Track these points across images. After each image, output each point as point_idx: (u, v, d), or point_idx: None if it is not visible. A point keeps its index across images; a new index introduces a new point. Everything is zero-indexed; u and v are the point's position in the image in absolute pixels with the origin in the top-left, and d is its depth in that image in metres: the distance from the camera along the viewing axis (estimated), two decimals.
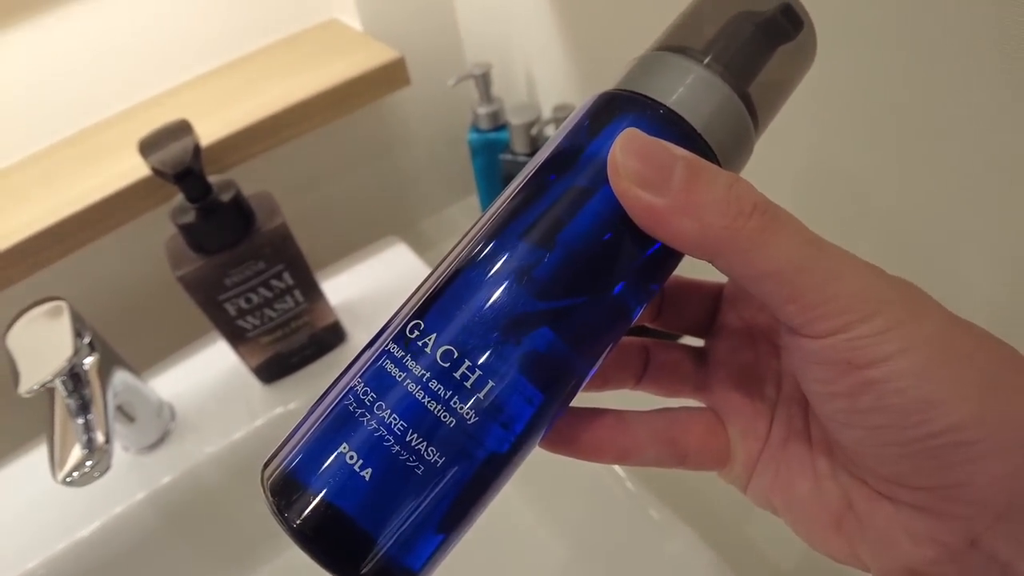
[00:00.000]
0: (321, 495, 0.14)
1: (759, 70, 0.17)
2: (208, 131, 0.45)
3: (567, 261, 0.15)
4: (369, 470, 0.13)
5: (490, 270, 0.15)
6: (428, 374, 0.14)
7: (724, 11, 0.17)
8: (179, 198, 0.38)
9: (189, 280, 0.39)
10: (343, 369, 0.16)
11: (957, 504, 0.14)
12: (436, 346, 0.14)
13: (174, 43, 0.51)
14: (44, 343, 0.39)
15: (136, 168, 0.43)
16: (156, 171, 0.34)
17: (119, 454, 0.47)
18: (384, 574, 0.14)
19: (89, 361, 0.40)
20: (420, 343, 0.14)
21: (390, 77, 0.49)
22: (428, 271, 0.59)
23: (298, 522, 0.14)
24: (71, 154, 0.48)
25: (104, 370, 0.41)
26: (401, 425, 0.14)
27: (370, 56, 0.49)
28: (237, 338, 0.44)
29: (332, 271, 0.56)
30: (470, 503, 0.14)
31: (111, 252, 0.49)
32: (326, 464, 0.14)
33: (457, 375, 0.14)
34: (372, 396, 0.14)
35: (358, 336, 0.50)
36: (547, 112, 0.49)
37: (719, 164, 0.16)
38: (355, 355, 0.16)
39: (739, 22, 0.17)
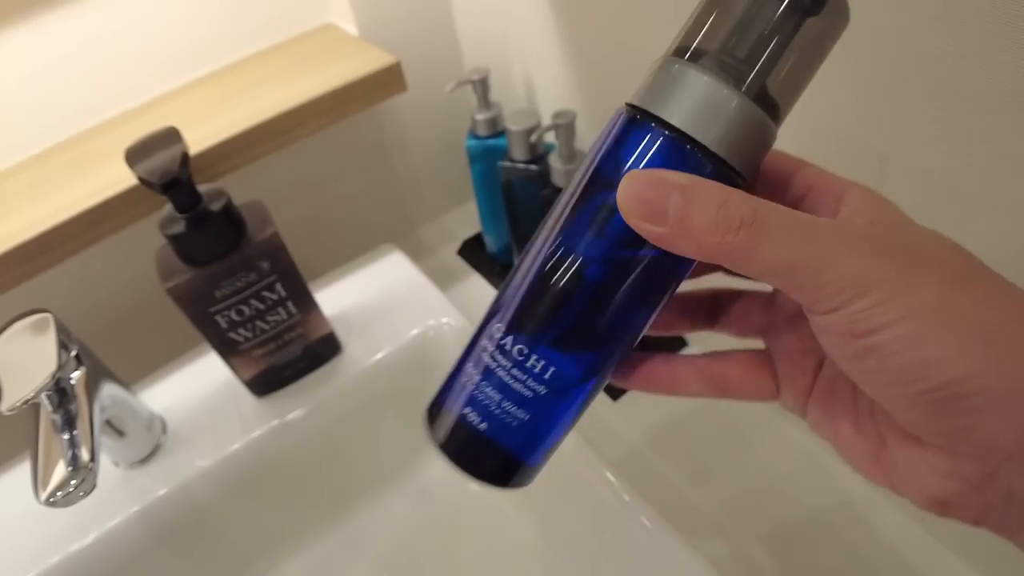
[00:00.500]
0: (460, 437, 0.22)
1: (780, 62, 0.17)
2: (199, 138, 0.44)
3: (605, 267, 0.19)
4: (484, 424, 0.21)
5: (546, 280, 0.19)
6: (510, 365, 0.20)
7: None
8: (168, 208, 0.37)
9: (179, 292, 0.38)
10: (465, 348, 0.22)
11: (967, 446, 0.16)
12: (513, 345, 0.20)
13: (166, 48, 0.50)
14: (29, 357, 0.38)
15: (125, 177, 0.42)
16: (143, 181, 0.33)
17: (110, 469, 0.46)
18: (503, 474, 0.22)
19: (76, 375, 0.39)
20: (502, 343, 0.20)
21: (386, 83, 0.48)
22: (425, 280, 0.57)
23: (450, 452, 0.22)
24: (60, 161, 0.47)
25: (91, 384, 0.40)
26: (499, 396, 0.20)
27: (366, 61, 0.48)
28: (229, 350, 0.43)
29: (327, 280, 0.55)
30: (556, 438, 0.22)
31: (101, 262, 0.48)
32: (465, 422, 0.21)
33: (528, 365, 0.20)
34: (477, 378, 0.21)
35: (353, 347, 0.49)
36: (547, 118, 0.48)
37: (734, 170, 0.17)
38: (470, 337, 0.22)
39: (759, 8, 0.17)
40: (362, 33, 0.53)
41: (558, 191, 0.47)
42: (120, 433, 0.45)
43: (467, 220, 0.69)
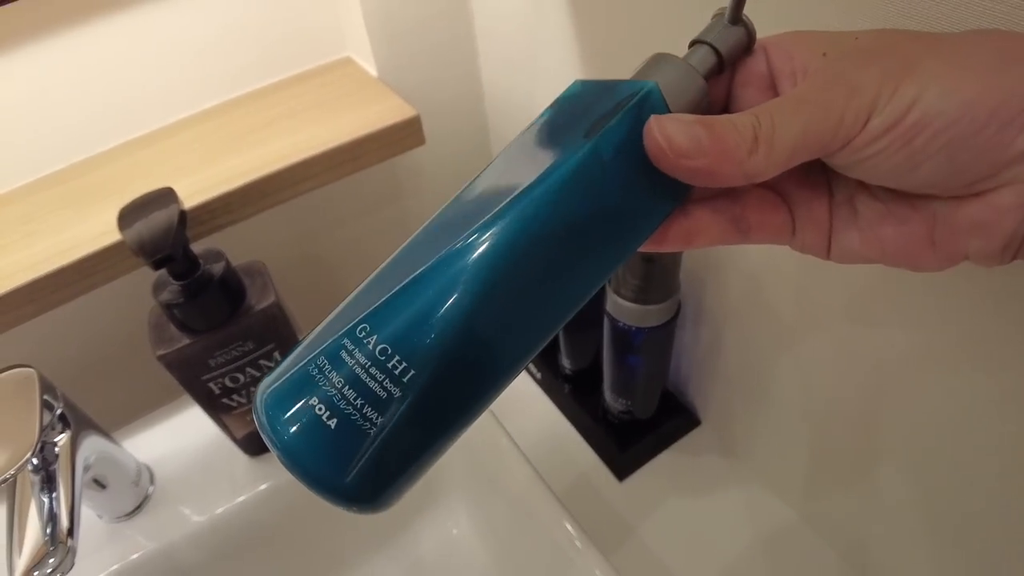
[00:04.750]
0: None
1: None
2: (201, 187, 0.42)
3: None
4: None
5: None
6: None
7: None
8: (162, 270, 0.35)
9: (170, 360, 0.36)
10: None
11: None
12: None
13: (172, 75, 0.48)
14: (8, 420, 0.36)
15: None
16: (135, 252, 0.31)
17: (92, 521, 0.44)
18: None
19: (60, 440, 0.37)
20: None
21: (404, 137, 0.45)
22: None
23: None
24: (56, 193, 0.45)
25: (76, 445, 0.38)
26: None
27: (384, 111, 0.46)
28: (220, 412, 0.41)
29: None
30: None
31: (89, 308, 0.45)
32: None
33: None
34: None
35: None
36: None
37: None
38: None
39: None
40: (380, 73, 0.50)
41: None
42: (102, 486, 0.43)
43: None
